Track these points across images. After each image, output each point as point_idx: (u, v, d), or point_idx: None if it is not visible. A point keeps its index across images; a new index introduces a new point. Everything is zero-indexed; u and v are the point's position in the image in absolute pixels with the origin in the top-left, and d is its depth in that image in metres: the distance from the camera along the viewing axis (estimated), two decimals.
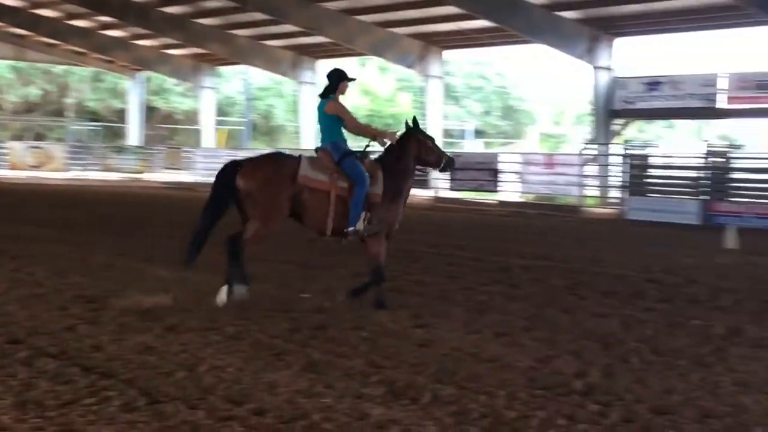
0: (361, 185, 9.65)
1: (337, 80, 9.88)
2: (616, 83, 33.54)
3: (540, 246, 17.13)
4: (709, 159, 26.90)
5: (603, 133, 33.36)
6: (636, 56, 52.88)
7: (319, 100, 9.97)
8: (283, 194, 9.48)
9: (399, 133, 10.10)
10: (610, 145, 33.06)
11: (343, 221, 9.67)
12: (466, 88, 56.13)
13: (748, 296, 11.26)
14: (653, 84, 32.76)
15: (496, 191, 32.79)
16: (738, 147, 35.47)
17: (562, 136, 49.01)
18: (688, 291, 11.62)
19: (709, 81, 31.25)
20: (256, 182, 9.43)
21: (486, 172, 32.68)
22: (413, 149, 10.05)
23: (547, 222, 25.44)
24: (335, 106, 9.85)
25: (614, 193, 30.60)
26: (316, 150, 9.96)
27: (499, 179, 32.55)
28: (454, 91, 54.43)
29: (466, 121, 51.65)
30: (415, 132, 10.16)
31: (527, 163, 32.21)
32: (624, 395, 6.56)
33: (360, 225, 9.70)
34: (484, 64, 56.64)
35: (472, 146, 46.81)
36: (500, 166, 32.95)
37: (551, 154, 34.53)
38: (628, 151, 28.48)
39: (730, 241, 18.07)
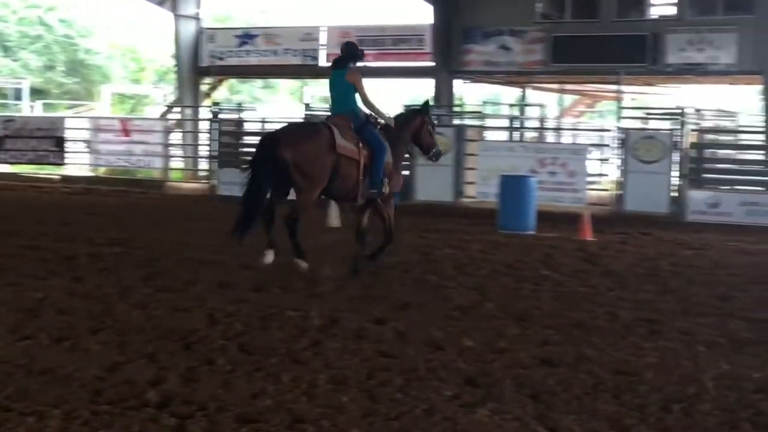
0: (382, 153, 11.94)
1: (354, 53, 12.22)
2: (204, 35, 33.84)
3: (113, 229, 16.86)
4: None
5: (189, 94, 33.55)
6: (231, 4, 53.84)
7: (333, 70, 12.21)
8: (328, 163, 11.50)
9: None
10: (198, 109, 33.31)
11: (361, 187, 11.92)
12: (20, 37, 53.76)
13: (348, 281, 11.84)
14: (246, 37, 33.50)
15: (61, 164, 31.83)
16: None
17: (141, 97, 48.58)
18: (284, 277, 11.98)
19: (310, 35, 32.52)
20: (303, 153, 11.36)
21: (48, 140, 31.59)
22: (416, 126, 12.64)
23: (124, 200, 25.18)
24: (355, 76, 12.09)
25: (204, 165, 30.88)
26: (329, 117, 12.08)
27: (64, 149, 31.59)
28: (7, 40, 51.99)
29: (22, 77, 49.51)
30: (423, 112, 12.79)
31: (99, 129, 31.48)
32: (207, 404, 6.61)
33: (386, 188, 12.15)
34: (45, 9, 54.61)
35: (29, 109, 44.97)
36: (66, 134, 31.96)
37: (128, 119, 34.12)
38: (219, 116, 28.80)
39: (334, 218, 18.91)
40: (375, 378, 7.38)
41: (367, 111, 12.41)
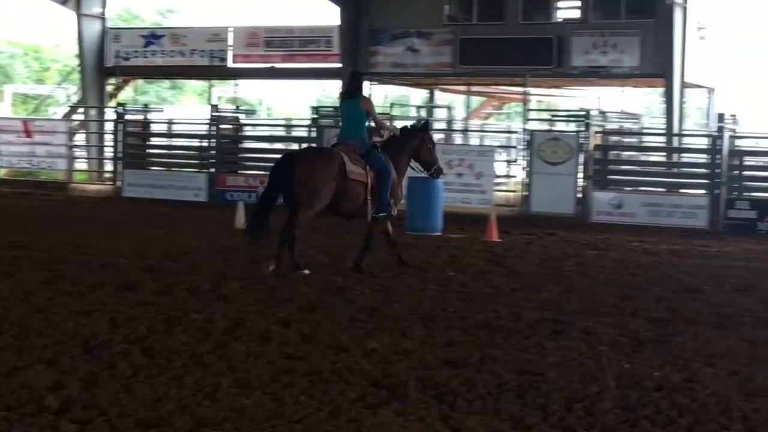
0: (387, 176, 13.03)
1: (360, 81, 13.78)
2: (109, 35, 33.41)
3: (14, 232, 16.55)
4: (215, 126, 27.45)
5: (94, 95, 33.08)
6: (137, 4, 53.29)
7: (344, 99, 13.69)
8: (332, 185, 12.62)
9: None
10: (103, 110, 32.87)
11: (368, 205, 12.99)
12: None
13: (253, 283, 11.78)
14: (152, 37, 33.16)
15: None
16: (251, 112, 37.08)
17: (44, 98, 47.66)
18: (190, 279, 11.89)
19: (217, 35, 32.31)
20: (313, 174, 12.50)
21: None
22: (416, 145, 13.64)
23: (26, 203, 24.72)
24: (369, 104, 13.65)
25: (109, 166, 30.48)
26: (337, 142, 13.40)
27: None
28: None
29: None
30: (422, 131, 13.92)
31: (0, 130, 30.86)
32: (108, 409, 6.51)
33: (393, 210, 13.43)
34: None
35: None
36: None
37: (30, 120, 33.47)
38: (124, 117, 28.41)
39: (241, 219, 18.81)
40: (279, 380, 7.34)
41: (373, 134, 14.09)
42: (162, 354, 8.04)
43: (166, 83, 54.91)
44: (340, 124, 14.70)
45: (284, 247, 12.71)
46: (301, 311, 10.12)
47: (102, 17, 33.54)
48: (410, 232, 18.34)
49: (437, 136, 28.75)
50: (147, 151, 29.35)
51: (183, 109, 49.12)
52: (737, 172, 22.64)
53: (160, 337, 8.67)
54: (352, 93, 13.55)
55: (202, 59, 32.29)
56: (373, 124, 14.07)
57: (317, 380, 7.36)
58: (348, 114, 13.55)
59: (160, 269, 12.77)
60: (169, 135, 31.07)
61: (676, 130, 27.08)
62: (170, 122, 32.45)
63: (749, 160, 23.98)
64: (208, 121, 27.23)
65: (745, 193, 22.54)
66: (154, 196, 25.83)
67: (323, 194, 12.67)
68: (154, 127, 30.30)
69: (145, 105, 31.95)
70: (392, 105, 30.39)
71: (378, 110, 30.09)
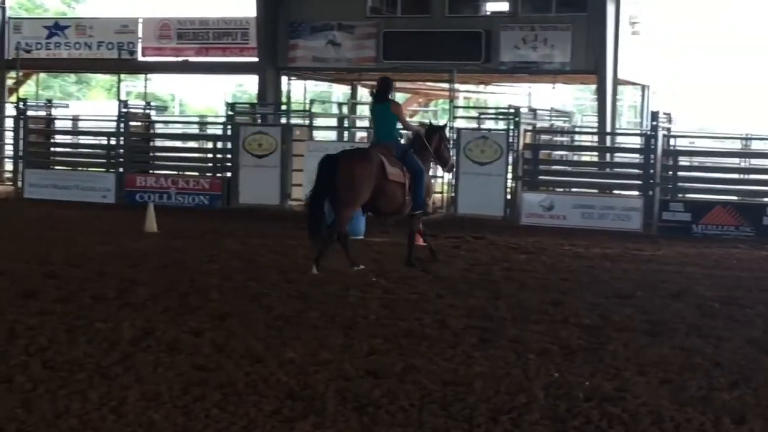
0: (422, 175, 14.64)
1: (389, 86, 15.35)
2: (9, 25, 32.94)
3: None
4: (124, 123, 27.12)
5: None
6: None
7: (375, 104, 15.16)
8: (372, 184, 14.05)
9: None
10: (2, 105, 32.39)
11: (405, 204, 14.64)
12: None
13: (164, 289, 11.69)
14: (56, 28, 32.76)
15: None
16: (162, 109, 36.79)
17: None
18: (95, 286, 11.78)
19: (126, 27, 32.01)
20: (355, 174, 13.91)
21: None
22: (436, 143, 15.31)
23: None
24: (399, 108, 15.37)
25: (9, 166, 30.02)
26: (375, 146, 14.74)
27: None
28: None
29: None
30: (440, 130, 15.80)
31: None
32: (5, 425, 6.43)
33: (429, 208, 15.84)
34: None
35: None
36: None
37: None
38: (28, 113, 27.95)
39: (150, 222, 18.66)
40: (190, 393, 7.29)
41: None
42: (64, 366, 7.96)
43: (72, 77, 54.29)
44: (373, 127, 16.72)
45: (326, 249, 14.06)
46: (214, 319, 10.06)
47: (2, 6, 33.06)
48: None
49: (359, 135, 28.84)
50: (50, 149, 28.93)
51: (90, 105, 48.54)
52: (672, 172, 22.96)
53: (62, 348, 8.58)
54: (382, 98, 15.02)
55: (110, 52, 31.98)
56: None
57: (230, 393, 7.32)
58: (380, 118, 15.04)
59: (63, 275, 12.63)
60: (75, 132, 30.66)
61: (608, 128, 27.47)
62: (76, 119, 32.04)
63: (684, 160, 24.35)
64: (116, 118, 26.88)
65: (679, 195, 22.88)
66: (58, 197, 25.48)
67: (363, 193, 14.10)
68: (59, 124, 29.86)
69: (49, 100, 31.45)
70: (312, 101, 30.34)
71: (296, 106, 30.35)
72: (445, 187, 25.04)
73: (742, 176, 25.14)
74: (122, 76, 34.81)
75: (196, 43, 30.99)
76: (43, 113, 28.70)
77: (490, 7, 29.99)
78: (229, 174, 25.23)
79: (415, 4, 29.53)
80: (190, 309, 10.61)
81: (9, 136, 29.69)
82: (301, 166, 24.18)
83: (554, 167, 25.41)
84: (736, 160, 26.87)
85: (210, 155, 27.25)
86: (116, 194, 25.70)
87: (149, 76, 36.64)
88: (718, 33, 52.47)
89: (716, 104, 55.68)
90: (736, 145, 28.82)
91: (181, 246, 16.30)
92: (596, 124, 28.82)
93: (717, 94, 55.77)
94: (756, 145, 27.38)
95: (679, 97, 40.89)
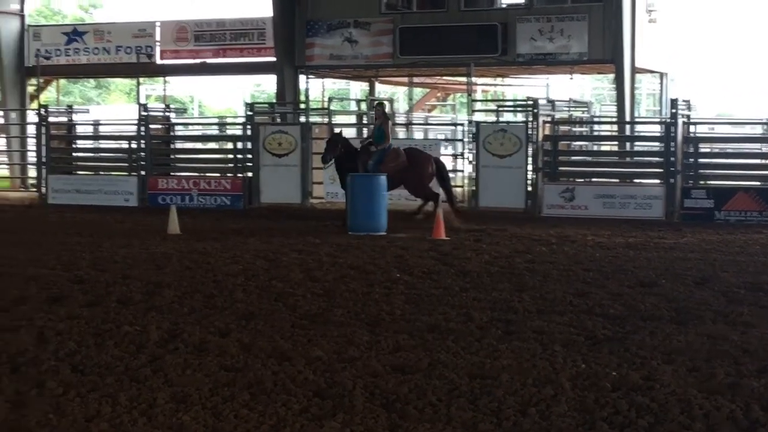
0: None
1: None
2: (29, 33, 33.06)
3: None
4: (144, 127, 27.17)
5: (14, 97, 32.74)
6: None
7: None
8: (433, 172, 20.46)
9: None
10: (24, 112, 32.51)
11: None
12: None
13: (189, 291, 11.72)
14: (74, 34, 32.84)
15: None
16: (182, 111, 36.87)
17: None
18: (121, 290, 11.80)
19: (144, 31, 32.09)
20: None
21: None
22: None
23: None
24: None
25: (33, 172, 30.14)
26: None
27: None
28: None
29: None
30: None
31: None
32: (37, 430, 6.48)
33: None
34: None
35: None
36: None
37: None
38: (50, 120, 28.03)
39: (173, 224, 18.70)
40: (219, 394, 7.31)
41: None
42: (93, 370, 7.98)
43: (91, 82, 54.51)
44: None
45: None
46: (240, 319, 10.08)
47: (20, 14, 33.21)
48: (353, 233, 18.31)
49: None
50: (73, 154, 29.04)
51: (110, 109, 48.73)
52: (693, 159, 22.85)
53: (91, 352, 8.59)
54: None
55: (128, 56, 32.05)
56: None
57: (259, 392, 7.33)
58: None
59: (89, 280, 12.66)
60: (96, 137, 30.80)
61: (627, 117, 27.34)
62: (96, 123, 32.19)
63: (705, 147, 24.25)
64: (136, 122, 26.99)
65: (701, 182, 22.77)
66: (81, 202, 25.59)
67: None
68: (80, 129, 29.94)
69: (69, 106, 31.52)
70: (331, 99, 30.33)
71: (315, 104, 30.32)
72: (466, 181, 25.03)
73: (763, 161, 25.02)
74: (141, 79, 34.92)
75: (213, 45, 31.04)
76: (64, 119, 28.79)
77: (505, 0, 29.90)
78: (249, 174, 25.31)
79: None
80: (216, 310, 10.63)
81: (31, 142, 29.79)
82: (321, 164, 24.17)
83: (574, 158, 25.35)
84: (757, 145, 26.72)
85: (230, 156, 27.29)
86: (139, 197, 25.79)
87: (168, 78, 36.71)
88: (736, 19, 52.26)
89: (735, 90, 55.44)
90: (757, 131, 28.68)
91: (205, 247, 16.33)
92: (615, 114, 28.70)
93: (736, 80, 55.56)
94: None
95: (697, 83, 40.66)
